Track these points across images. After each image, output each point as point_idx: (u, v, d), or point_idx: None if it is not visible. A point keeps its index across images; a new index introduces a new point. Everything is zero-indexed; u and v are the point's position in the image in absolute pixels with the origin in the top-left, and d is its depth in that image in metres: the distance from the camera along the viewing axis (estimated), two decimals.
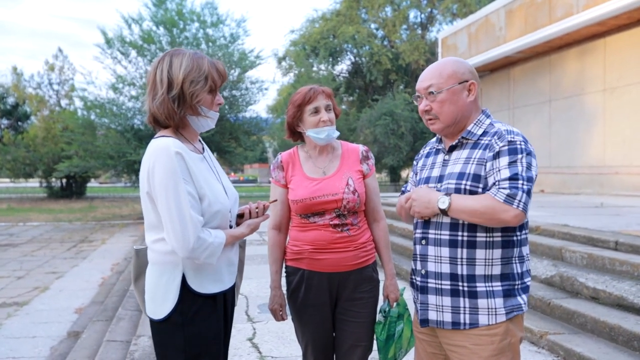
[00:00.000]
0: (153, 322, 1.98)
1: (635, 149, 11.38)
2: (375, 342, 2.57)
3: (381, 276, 2.61)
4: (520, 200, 1.81)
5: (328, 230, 2.47)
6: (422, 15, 29.88)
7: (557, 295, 4.57)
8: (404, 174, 27.58)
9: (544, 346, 3.98)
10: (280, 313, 2.61)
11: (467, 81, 2.01)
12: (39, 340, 5.01)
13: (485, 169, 1.92)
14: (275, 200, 2.52)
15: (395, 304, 2.59)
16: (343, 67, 31.14)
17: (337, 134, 2.57)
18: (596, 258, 4.79)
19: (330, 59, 29.27)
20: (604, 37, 12.09)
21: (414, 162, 2.28)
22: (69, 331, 5.29)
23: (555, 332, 4.05)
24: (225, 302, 2.07)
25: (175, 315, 1.92)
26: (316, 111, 2.49)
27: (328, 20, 28.90)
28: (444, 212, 1.93)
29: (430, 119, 2.06)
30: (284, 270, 2.63)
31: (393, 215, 9.10)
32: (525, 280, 2.00)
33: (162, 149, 1.86)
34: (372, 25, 29.52)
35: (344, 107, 29.64)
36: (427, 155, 2.19)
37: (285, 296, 2.61)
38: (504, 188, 1.83)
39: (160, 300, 1.93)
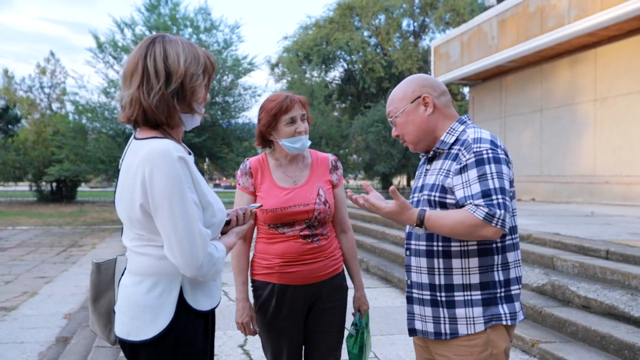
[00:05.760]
0: (133, 345, 1.70)
1: (625, 159, 11.49)
2: (348, 355, 2.55)
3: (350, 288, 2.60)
4: (499, 218, 1.79)
5: (298, 241, 2.40)
6: (415, 24, 30.10)
7: (549, 304, 4.58)
8: (395, 181, 27.63)
9: (535, 355, 3.99)
10: (251, 326, 2.48)
11: (419, 97, 2.03)
12: (27, 346, 4.95)
13: (451, 181, 1.90)
14: (261, 205, 2.37)
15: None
16: (336, 74, 31.29)
17: (310, 143, 2.51)
18: (587, 267, 4.81)
19: (323, 66, 29.38)
20: (594, 48, 12.21)
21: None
22: (57, 337, 5.22)
23: (547, 340, 4.05)
24: (213, 319, 1.88)
25: (170, 335, 1.67)
26: (292, 121, 2.41)
27: (321, 28, 29.03)
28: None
29: (403, 142, 2.13)
30: (250, 284, 2.54)
31: (385, 222, 9.11)
32: (511, 288, 1.95)
33: (161, 154, 1.60)
34: (365, 33, 29.68)
35: (336, 114, 29.71)
36: (421, 165, 2.22)
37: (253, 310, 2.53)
38: (480, 205, 1.80)
39: (150, 317, 1.67)
